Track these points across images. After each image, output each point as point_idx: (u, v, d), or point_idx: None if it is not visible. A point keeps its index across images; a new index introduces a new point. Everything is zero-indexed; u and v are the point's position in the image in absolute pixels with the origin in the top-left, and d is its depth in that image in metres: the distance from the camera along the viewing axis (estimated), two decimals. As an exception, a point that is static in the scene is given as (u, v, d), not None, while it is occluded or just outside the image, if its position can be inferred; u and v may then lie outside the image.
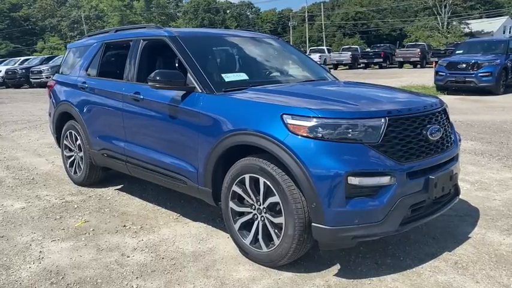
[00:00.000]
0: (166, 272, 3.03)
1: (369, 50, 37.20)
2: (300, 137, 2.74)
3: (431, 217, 3.10)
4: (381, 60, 31.98)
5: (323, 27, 65.64)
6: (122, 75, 4.22)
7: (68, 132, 5.07)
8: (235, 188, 3.13)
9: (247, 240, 3.12)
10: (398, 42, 37.12)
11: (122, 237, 3.62)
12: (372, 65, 32.94)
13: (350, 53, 33.75)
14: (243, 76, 3.69)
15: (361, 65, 33.17)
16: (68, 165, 5.20)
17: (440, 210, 3.16)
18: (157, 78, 3.39)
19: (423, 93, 3.69)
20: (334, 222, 2.67)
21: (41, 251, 3.40)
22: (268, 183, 2.90)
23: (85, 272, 3.06)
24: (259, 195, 2.99)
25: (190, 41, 3.80)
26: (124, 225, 3.87)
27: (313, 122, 2.72)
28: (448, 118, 3.37)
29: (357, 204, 2.68)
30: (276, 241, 2.93)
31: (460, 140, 3.58)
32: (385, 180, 2.72)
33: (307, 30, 65.64)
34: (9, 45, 64.94)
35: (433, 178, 2.89)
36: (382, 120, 2.77)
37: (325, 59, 34.44)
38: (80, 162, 4.95)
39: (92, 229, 3.81)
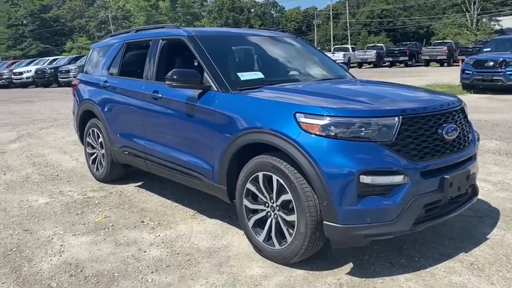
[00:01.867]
0: (180, 267, 3.09)
1: (394, 48, 36.65)
2: (312, 135, 2.75)
3: (447, 217, 3.06)
4: (407, 58, 31.53)
5: (348, 25, 65.04)
6: (142, 75, 4.31)
7: (90, 130, 5.20)
8: (249, 185, 3.17)
9: (260, 238, 3.15)
10: (424, 40, 36.44)
11: (140, 233, 3.70)
12: (397, 64, 32.49)
13: (375, 51, 33.40)
14: (259, 75, 3.72)
15: (386, 64, 32.76)
16: (90, 162, 5.34)
17: (457, 210, 3.12)
18: (175, 77, 3.46)
19: (440, 92, 3.65)
20: (346, 220, 2.68)
21: (61, 245, 3.52)
22: (281, 181, 2.92)
23: (103, 265, 3.15)
24: (272, 193, 3.02)
25: (207, 41, 3.86)
26: (142, 221, 3.95)
27: (325, 121, 2.73)
28: (466, 117, 3.32)
29: (369, 203, 2.68)
30: (289, 239, 2.95)
31: (478, 140, 3.53)
32: (398, 179, 2.71)
33: (331, 28, 65.21)
34: (39, 45, 66.68)
35: (449, 178, 2.86)
36: (396, 119, 2.76)
37: (349, 57, 34.11)
38: (102, 160, 5.08)
39: (111, 224, 3.91)
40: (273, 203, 3.04)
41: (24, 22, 69.65)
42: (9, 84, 26.04)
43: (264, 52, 4.27)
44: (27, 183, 5.33)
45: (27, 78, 25.92)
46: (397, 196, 2.70)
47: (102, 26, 67.02)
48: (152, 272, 3.03)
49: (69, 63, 26.09)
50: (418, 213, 2.79)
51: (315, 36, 73.37)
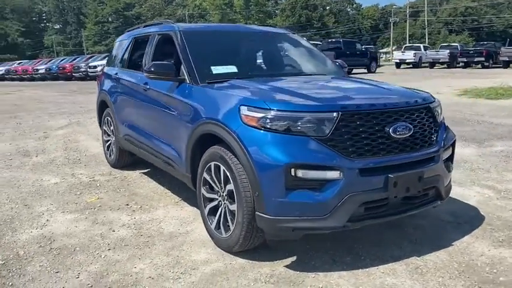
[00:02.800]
0: (136, 247, 3.29)
1: (469, 48, 34.48)
2: (250, 127, 2.82)
3: (395, 217, 3.01)
4: (483, 59, 29.53)
5: (426, 23, 62.19)
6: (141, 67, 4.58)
7: (105, 119, 5.59)
8: (205, 174, 3.29)
9: (212, 225, 3.27)
10: (508, 40, 33.81)
11: (119, 214, 3.96)
12: (473, 65, 30.54)
13: (448, 51, 31.66)
14: (232, 69, 3.81)
15: (460, 64, 30.96)
16: (105, 149, 5.74)
17: (410, 211, 3.04)
18: (152, 69, 3.67)
19: (414, 90, 3.51)
20: (274, 212, 2.72)
21: (48, 220, 3.87)
22: (226, 171, 3.01)
23: (71, 240, 3.44)
24: (221, 182, 3.13)
25: (191, 36, 4.03)
26: (127, 204, 4.22)
27: (262, 114, 2.78)
28: (432, 117, 3.18)
29: (298, 197, 2.69)
30: (231, 227, 3.04)
31: (453, 141, 3.38)
32: (331, 174, 2.70)
33: (407, 26, 62.71)
34: (122, 41, 70.74)
35: (392, 177, 2.78)
36: (334, 114, 2.74)
37: (420, 56, 32.71)
38: (113, 146, 5.44)
39: (99, 205, 4.21)
40: (223, 192, 3.14)
41: (109, 19, 74.36)
42: (85, 77, 28.02)
43: (247, 47, 4.36)
44: (50, 165, 5.84)
45: (100, 71, 27.69)
46: (330, 192, 2.69)
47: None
48: (109, 250, 3.26)
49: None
50: (353, 211, 2.75)
51: (391, 34, 71.01)
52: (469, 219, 3.69)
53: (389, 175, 2.79)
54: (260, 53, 4.40)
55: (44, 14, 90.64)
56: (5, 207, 4.19)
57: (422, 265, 2.93)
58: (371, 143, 2.80)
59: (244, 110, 2.88)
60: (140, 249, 3.26)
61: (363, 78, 4.18)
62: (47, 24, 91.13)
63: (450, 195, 3.47)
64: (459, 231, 3.46)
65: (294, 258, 3.06)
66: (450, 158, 3.38)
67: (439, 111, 3.34)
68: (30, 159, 6.24)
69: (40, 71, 31.60)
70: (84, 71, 28.34)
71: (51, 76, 30.74)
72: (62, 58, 35.68)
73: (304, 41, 4.70)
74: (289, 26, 57.60)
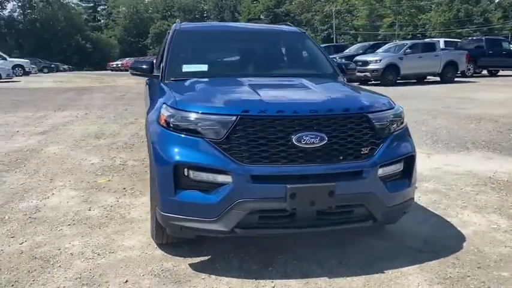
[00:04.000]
0: (91, 226, 3.63)
1: None
2: (160, 125, 2.92)
3: (304, 230, 2.86)
4: None
5: None
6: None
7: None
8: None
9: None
10: None
11: (110, 196, 4.37)
12: None
13: None
14: (202, 68, 3.90)
15: None
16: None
17: (326, 227, 2.84)
18: (132, 66, 3.97)
19: (374, 96, 3.19)
20: (165, 209, 2.78)
21: (53, 194, 4.46)
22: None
23: (52, 213, 3.93)
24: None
25: (182, 34, 4.24)
26: (124, 188, 4.62)
27: (171, 113, 2.86)
28: (370, 128, 2.85)
29: (189, 197, 2.72)
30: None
31: (407, 156, 2.99)
32: (221, 178, 2.66)
33: None
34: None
35: (290, 188, 2.62)
36: (233, 118, 2.68)
37: None
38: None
39: (103, 186, 4.69)
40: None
41: (261, 17, 77.88)
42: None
43: (236, 46, 4.36)
44: (106, 147, 6.61)
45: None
46: (219, 195, 2.66)
47: (326, 20, 69.76)
48: (68, 225, 3.66)
49: (365, 52, 21.86)
50: (242, 217, 2.66)
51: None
52: (438, 249, 3.21)
53: (287, 185, 2.63)
54: (247, 52, 4.38)
55: (205, 12, 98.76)
56: (34, 179, 4.94)
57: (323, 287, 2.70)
58: (270, 150, 2.67)
59: (162, 109, 2.99)
60: (92, 228, 3.59)
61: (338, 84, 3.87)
62: (207, 21, 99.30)
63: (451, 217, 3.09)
64: (409, 259, 3.05)
65: (207, 258, 3.07)
66: (397, 176, 2.99)
67: (389, 121, 2.97)
68: (98, 141, 7.13)
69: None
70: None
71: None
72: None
73: (308, 41, 4.50)
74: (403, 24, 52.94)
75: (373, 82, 18.55)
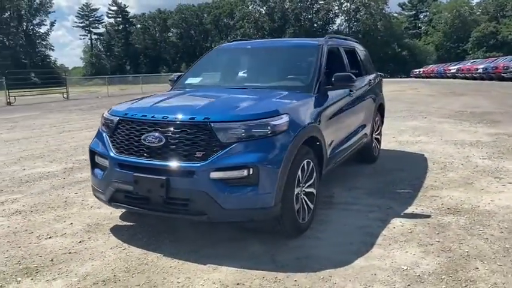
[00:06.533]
0: (54, 208, 4.70)
1: None
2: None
3: (158, 214, 3.55)
4: None
5: None
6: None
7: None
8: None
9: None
10: None
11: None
12: None
13: None
14: (196, 80, 4.77)
15: None
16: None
17: (172, 214, 3.45)
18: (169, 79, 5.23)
19: (255, 109, 3.52)
20: (92, 181, 3.98)
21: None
22: None
23: (40, 199, 5.11)
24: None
25: (212, 53, 5.25)
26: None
27: (103, 119, 3.92)
28: (210, 135, 3.24)
29: (95, 173, 3.82)
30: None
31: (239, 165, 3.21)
32: (106, 163, 3.68)
33: None
34: None
35: (134, 175, 3.40)
36: (117, 119, 3.67)
37: None
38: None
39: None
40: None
41: None
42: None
43: (241, 62, 4.95)
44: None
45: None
46: (103, 175, 3.71)
47: None
48: (57, 209, 4.93)
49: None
50: (112, 193, 3.60)
51: None
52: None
53: (134, 174, 3.42)
54: (245, 67, 4.88)
55: None
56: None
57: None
58: (129, 145, 3.52)
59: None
60: (63, 209, 4.59)
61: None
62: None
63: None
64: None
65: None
66: (240, 181, 3.23)
67: (242, 131, 3.27)
68: None
69: (478, 71, 31.70)
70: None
71: (486, 76, 30.26)
72: (502, 57, 33.40)
73: (312, 54, 4.53)
74: None
75: None
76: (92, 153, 3.86)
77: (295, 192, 3.51)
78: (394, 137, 8.47)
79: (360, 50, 6.03)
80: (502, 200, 4.54)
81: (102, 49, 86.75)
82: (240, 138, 3.25)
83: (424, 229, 3.81)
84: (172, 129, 3.35)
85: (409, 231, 3.78)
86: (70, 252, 3.51)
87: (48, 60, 75.20)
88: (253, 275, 3.04)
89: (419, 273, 3.03)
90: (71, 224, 4.17)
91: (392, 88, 23.39)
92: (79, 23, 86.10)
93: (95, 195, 3.97)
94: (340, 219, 4.12)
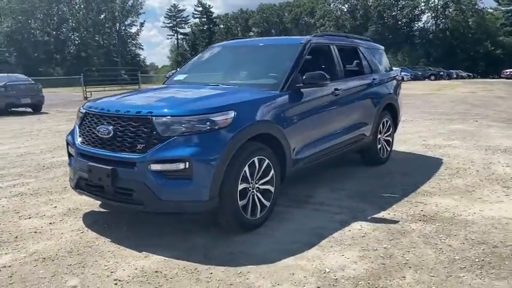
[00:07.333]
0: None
1: None
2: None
3: (112, 202, 3.75)
4: None
5: None
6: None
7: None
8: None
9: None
10: None
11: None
12: None
13: None
14: (183, 77, 4.93)
15: None
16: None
17: (121, 203, 3.62)
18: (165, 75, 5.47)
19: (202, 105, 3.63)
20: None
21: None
22: None
23: (46, 184, 5.87)
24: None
25: (206, 50, 5.37)
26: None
27: (79, 113, 4.23)
28: (151, 129, 3.39)
29: (69, 162, 4.15)
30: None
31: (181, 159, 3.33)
32: (73, 152, 3.98)
33: None
34: None
35: (89, 164, 3.67)
36: (83, 112, 3.95)
37: None
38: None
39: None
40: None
41: None
42: None
43: (228, 60, 5.02)
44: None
45: None
46: (71, 163, 4.04)
47: None
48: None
49: None
50: (77, 181, 3.89)
51: None
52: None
53: (88, 163, 3.68)
54: (228, 66, 4.92)
55: None
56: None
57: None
58: (88, 136, 3.79)
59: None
60: (55, 194, 5.05)
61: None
62: None
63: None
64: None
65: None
66: (177, 174, 3.35)
67: (182, 126, 3.38)
68: None
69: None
70: None
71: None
72: None
73: (291, 53, 4.49)
74: None
75: None
76: (67, 143, 4.18)
77: (240, 188, 3.54)
78: (424, 140, 8.04)
79: (365, 49, 5.82)
80: (491, 211, 4.19)
81: (187, 48, 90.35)
82: (180, 133, 3.36)
83: (380, 234, 3.65)
84: (120, 122, 3.55)
85: (363, 235, 3.65)
86: (36, 232, 3.85)
87: (138, 58, 79.94)
88: (176, 265, 3.15)
89: (339, 276, 2.94)
90: (55, 207, 4.54)
91: (465, 90, 22.01)
92: (167, 23, 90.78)
93: (69, 182, 4.29)
94: (302, 219, 4.07)
